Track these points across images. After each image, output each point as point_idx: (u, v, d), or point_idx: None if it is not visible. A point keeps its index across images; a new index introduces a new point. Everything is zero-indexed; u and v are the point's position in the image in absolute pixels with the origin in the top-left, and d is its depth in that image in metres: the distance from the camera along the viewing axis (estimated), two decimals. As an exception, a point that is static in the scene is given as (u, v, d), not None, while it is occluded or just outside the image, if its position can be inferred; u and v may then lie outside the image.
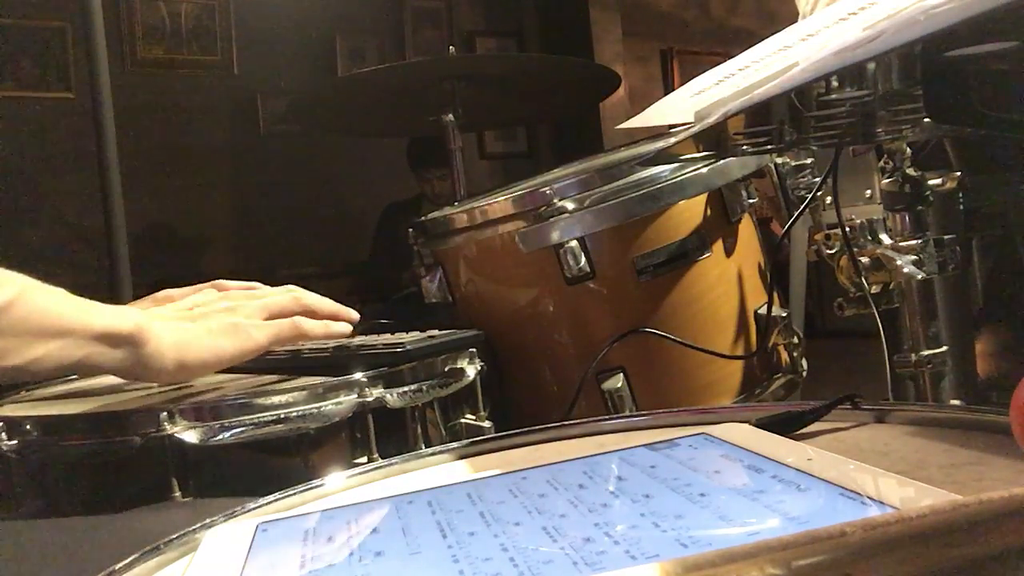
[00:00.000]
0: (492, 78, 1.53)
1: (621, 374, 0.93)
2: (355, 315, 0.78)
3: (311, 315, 0.74)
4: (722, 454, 0.46)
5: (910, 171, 0.81)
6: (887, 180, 0.82)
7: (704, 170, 0.95)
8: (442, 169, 1.60)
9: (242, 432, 0.68)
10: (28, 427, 0.69)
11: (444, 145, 1.50)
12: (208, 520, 0.46)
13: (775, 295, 0.99)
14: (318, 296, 0.77)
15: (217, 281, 0.89)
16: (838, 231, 0.86)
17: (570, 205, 0.91)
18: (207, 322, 0.68)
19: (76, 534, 0.58)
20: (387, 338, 0.87)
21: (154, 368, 0.63)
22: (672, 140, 0.78)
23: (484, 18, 4.24)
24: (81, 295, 0.62)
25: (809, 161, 0.99)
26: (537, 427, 0.59)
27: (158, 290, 0.81)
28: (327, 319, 0.76)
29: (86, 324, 0.60)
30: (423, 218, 1.06)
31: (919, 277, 0.81)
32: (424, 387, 0.76)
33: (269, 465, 0.73)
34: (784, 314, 1.00)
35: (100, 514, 0.64)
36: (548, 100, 1.75)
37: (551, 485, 0.44)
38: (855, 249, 0.85)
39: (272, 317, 0.72)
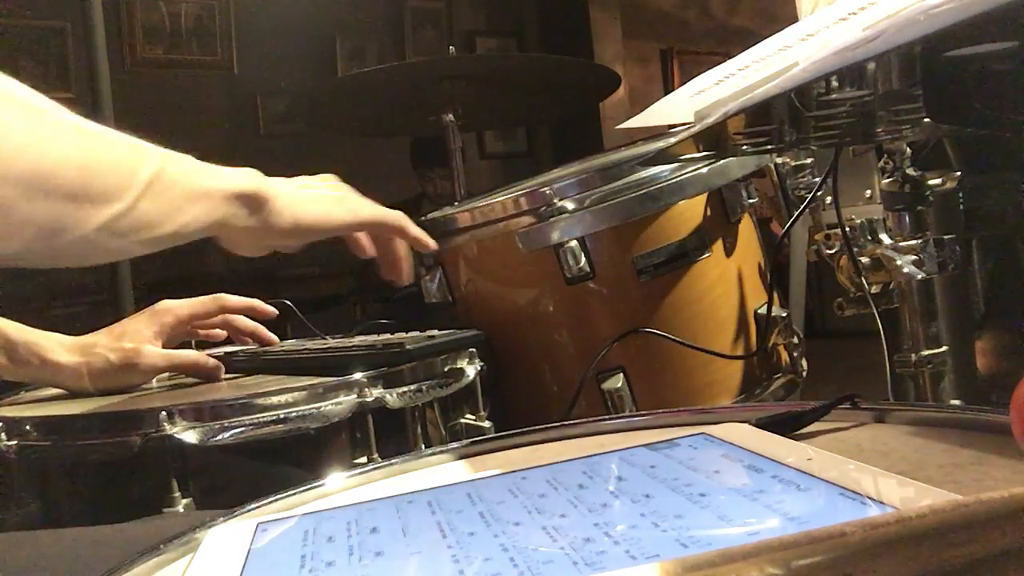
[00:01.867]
0: (492, 78, 1.53)
1: (621, 374, 0.93)
2: (434, 244, 0.84)
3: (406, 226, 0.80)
4: (722, 454, 0.46)
5: (910, 171, 0.81)
6: (887, 180, 0.82)
7: (704, 170, 0.95)
8: (445, 169, 1.60)
9: (242, 432, 0.68)
10: (28, 427, 0.69)
11: (444, 145, 1.51)
12: (208, 520, 0.46)
13: (775, 295, 0.99)
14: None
15: (219, 295, 0.91)
16: (838, 231, 0.86)
17: (570, 205, 0.91)
18: (319, 191, 0.74)
19: (75, 545, 0.58)
20: (387, 338, 0.87)
21: (272, 222, 0.67)
22: (672, 140, 0.78)
23: (484, 18, 4.24)
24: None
25: (809, 161, 0.99)
26: (537, 427, 0.59)
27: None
28: (416, 236, 0.81)
29: (221, 185, 0.63)
30: (423, 218, 1.06)
31: (919, 277, 0.81)
32: (424, 387, 0.76)
33: (269, 465, 0.73)
34: (784, 314, 1.00)
35: (100, 513, 0.64)
36: (548, 100, 1.75)
37: (551, 485, 0.44)
38: (855, 249, 0.85)
39: (374, 219, 0.77)
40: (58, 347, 0.80)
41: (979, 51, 0.50)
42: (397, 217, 0.78)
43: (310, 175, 0.78)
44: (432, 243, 0.83)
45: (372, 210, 0.77)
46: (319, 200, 0.73)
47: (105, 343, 0.81)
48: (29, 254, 0.54)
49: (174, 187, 0.58)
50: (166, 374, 0.85)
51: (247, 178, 0.66)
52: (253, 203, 0.66)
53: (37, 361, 0.79)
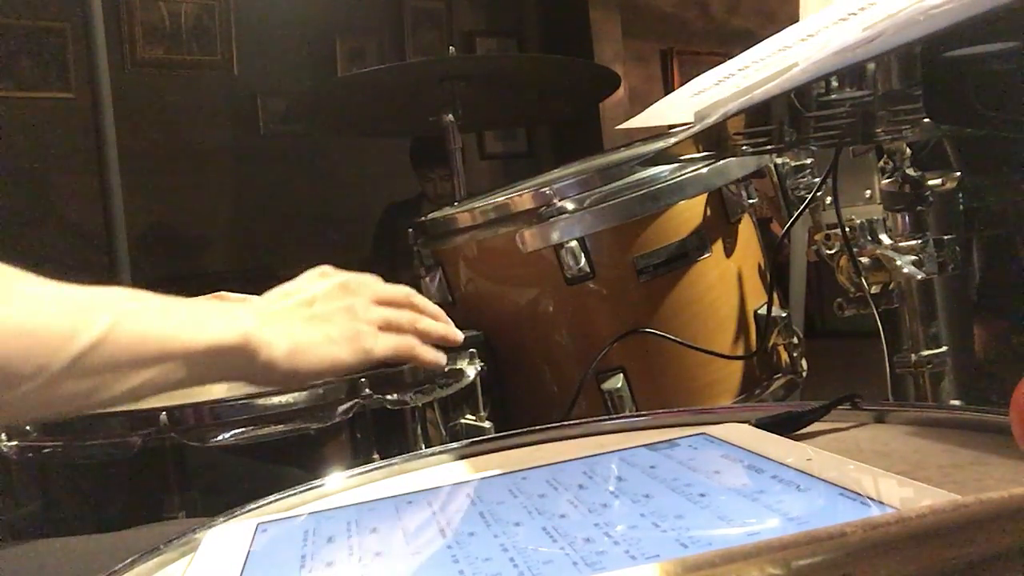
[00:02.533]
0: (492, 78, 1.53)
1: (621, 374, 0.93)
2: (460, 338, 0.74)
3: (424, 336, 0.71)
4: (722, 454, 0.46)
5: (910, 171, 0.80)
6: (887, 180, 0.82)
7: (704, 170, 0.95)
8: (445, 169, 1.60)
9: (242, 433, 0.68)
10: (28, 427, 0.69)
11: (444, 145, 1.51)
12: (208, 520, 0.46)
13: (775, 295, 0.99)
14: (434, 309, 0.73)
15: (219, 294, 0.90)
16: (838, 231, 0.86)
17: (570, 205, 0.91)
18: (327, 327, 0.64)
19: (76, 554, 0.57)
20: (387, 338, 0.87)
21: (262, 377, 0.60)
22: (672, 140, 0.78)
23: (484, 18, 4.23)
24: None
25: (809, 161, 0.99)
26: (537, 427, 0.59)
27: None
28: (437, 339, 0.74)
29: (188, 344, 0.54)
30: (423, 218, 1.06)
31: (919, 277, 0.81)
32: (424, 387, 0.76)
33: (269, 465, 0.73)
34: (784, 314, 1.00)
35: (100, 514, 0.64)
36: (548, 100, 1.75)
37: (551, 485, 0.44)
38: (855, 249, 0.85)
39: (389, 329, 0.68)
40: None
41: (979, 51, 0.50)
42: (410, 348, 0.69)
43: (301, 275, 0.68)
44: (440, 360, 0.74)
45: (384, 348, 0.67)
46: (325, 344, 0.63)
47: None
48: None
49: (117, 355, 0.50)
50: None
51: (229, 328, 0.57)
52: (235, 357, 0.57)
53: None
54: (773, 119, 0.67)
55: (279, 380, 0.60)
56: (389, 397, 0.73)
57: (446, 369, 0.81)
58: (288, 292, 0.68)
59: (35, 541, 0.64)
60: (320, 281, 0.69)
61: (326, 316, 0.65)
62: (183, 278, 3.11)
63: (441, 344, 0.74)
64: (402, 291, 0.73)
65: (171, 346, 0.53)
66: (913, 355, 0.83)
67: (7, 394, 0.46)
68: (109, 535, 0.59)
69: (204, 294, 0.92)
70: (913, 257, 0.81)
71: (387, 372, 0.75)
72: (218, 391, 0.79)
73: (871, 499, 0.36)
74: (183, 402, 0.69)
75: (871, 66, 0.57)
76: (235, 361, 0.57)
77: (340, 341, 0.64)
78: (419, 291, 1.05)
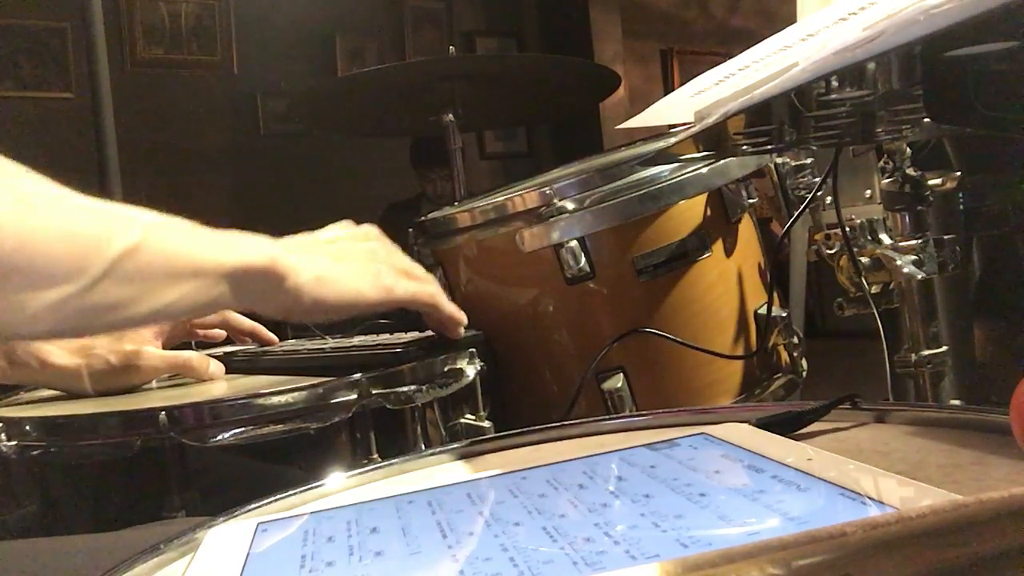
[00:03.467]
0: (492, 78, 1.53)
1: (621, 374, 0.93)
2: (464, 320, 0.78)
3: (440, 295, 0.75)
4: (722, 454, 0.46)
5: (910, 171, 0.81)
6: (887, 180, 0.82)
7: (704, 170, 0.95)
8: (445, 169, 1.61)
9: (242, 432, 0.68)
10: (28, 427, 0.69)
11: (444, 145, 1.51)
12: (208, 520, 0.46)
13: (775, 295, 0.99)
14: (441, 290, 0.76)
15: (227, 312, 0.91)
16: (838, 231, 0.86)
17: (570, 205, 0.91)
18: (351, 263, 0.66)
19: (75, 554, 0.57)
20: (386, 338, 0.87)
21: (289, 304, 0.61)
22: (672, 140, 0.78)
23: (484, 18, 4.24)
24: None
25: (809, 161, 0.99)
26: (537, 427, 0.59)
27: None
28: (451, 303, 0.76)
29: (219, 262, 0.55)
30: (423, 218, 1.06)
31: (919, 277, 0.81)
32: (424, 387, 0.76)
33: (269, 465, 0.73)
34: (784, 314, 1.00)
35: (100, 514, 0.64)
36: (548, 100, 1.75)
37: (551, 485, 0.44)
38: (855, 249, 0.85)
39: (407, 299, 0.71)
40: (57, 349, 0.79)
41: (979, 51, 0.50)
42: (431, 295, 0.72)
43: (328, 223, 0.70)
44: (462, 328, 0.77)
45: (405, 289, 0.70)
46: (348, 277, 0.65)
47: (104, 344, 0.80)
48: None
49: (152, 265, 0.51)
50: (166, 374, 0.85)
51: (258, 251, 0.58)
52: (263, 280, 0.58)
53: (36, 363, 0.78)
54: (773, 119, 0.67)
55: (306, 308, 0.62)
56: (389, 397, 0.73)
57: (445, 369, 0.81)
58: (311, 235, 0.70)
59: (35, 541, 0.64)
60: (341, 229, 0.72)
61: (350, 255, 0.67)
62: (183, 278, 3.10)
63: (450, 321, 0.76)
64: (414, 263, 0.75)
65: (202, 262, 0.54)
66: (913, 355, 0.83)
67: (51, 295, 0.47)
68: (109, 535, 0.59)
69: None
70: (913, 257, 0.81)
71: (387, 372, 0.75)
72: (218, 391, 0.79)
73: (871, 499, 0.36)
74: (183, 402, 0.69)
75: (871, 66, 0.57)
76: (263, 284, 0.58)
77: (364, 276, 0.66)
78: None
